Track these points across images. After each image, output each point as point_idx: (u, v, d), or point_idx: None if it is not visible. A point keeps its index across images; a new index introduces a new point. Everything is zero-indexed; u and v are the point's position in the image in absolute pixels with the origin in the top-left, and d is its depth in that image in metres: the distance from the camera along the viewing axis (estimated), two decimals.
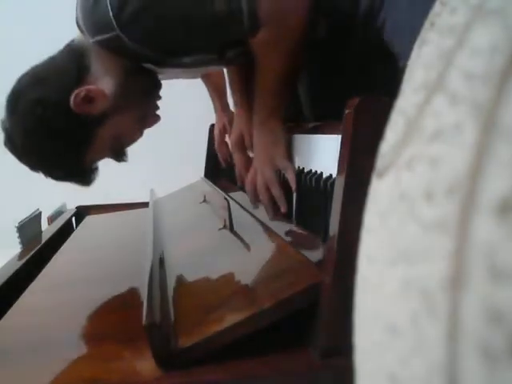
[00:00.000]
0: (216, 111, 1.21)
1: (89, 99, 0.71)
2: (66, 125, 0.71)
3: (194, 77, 1.13)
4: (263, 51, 0.71)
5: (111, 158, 0.81)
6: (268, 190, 0.75)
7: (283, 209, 0.73)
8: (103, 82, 0.73)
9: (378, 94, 0.46)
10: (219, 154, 1.19)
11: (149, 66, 0.78)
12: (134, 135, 0.81)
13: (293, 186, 0.71)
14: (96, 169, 0.81)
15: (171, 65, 0.78)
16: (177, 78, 1.02)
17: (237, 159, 0.93)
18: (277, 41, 0.69)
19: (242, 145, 0.90)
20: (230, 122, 1.11)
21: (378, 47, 0.78)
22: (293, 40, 0.69)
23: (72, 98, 0.70)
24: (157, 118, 0.84)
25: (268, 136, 0.73)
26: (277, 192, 0.73)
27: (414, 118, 0.17)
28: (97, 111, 0.72)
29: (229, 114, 1.17)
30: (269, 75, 0.72)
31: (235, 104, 0.96)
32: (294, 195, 0.72)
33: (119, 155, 0.82)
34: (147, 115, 0.81)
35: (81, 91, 0.70)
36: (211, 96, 1.21)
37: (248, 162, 0.87)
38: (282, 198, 0.73)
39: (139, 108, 0.79)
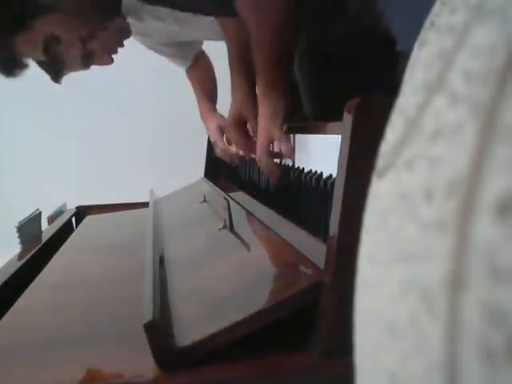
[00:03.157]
0: (203, 115, 1.17)
1: None
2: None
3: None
4: (248, 19, 0.73)
5: (43, 61, 0.76)
6: (265, 158, 0.78)
7: (272, 179, 0.78)
8: None
9: (377, 94, 0.46)
10: (226, 157, 1.11)
11: None
12: (74, 49, 0.75)
13: (288, 154, 0.73)
14: (24, 65, 0.76)
15: None
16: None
17: (234, 136, 0.90)
18: (258, 8, 0.71)
19: (239, 122, 0.88)
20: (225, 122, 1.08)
21: (377, 36, 0.80)
22: (276, 8, 0.71)
23: None
24: (107, 59, 0.84)
25: (268, 109, 0.76)
26: (266, 163, 0.77)
27: (413, 118, 0.18)
28: None
29: (217, 115, 1.15)
30: (260, 47, 0.74)
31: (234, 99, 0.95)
32: (294, 194, 0.72)
33: (56, 72, 0.76)
34: (96, 39, 0.77)
35: None
36: (198, 98, 1.20)
37: (246, 138, 0.88)
38: (270, 170, 0.77)
39: (88, 19, 0.74)
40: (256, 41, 0.75)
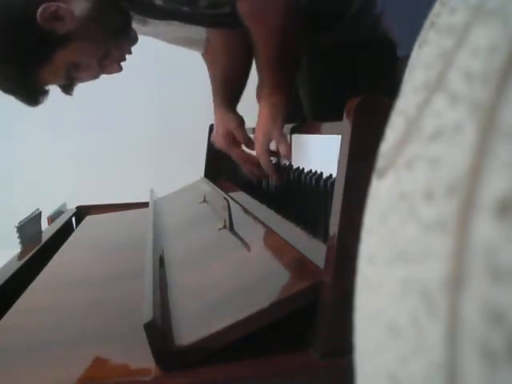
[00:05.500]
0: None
1: (57, 16, 0.71)
2: (27, 34, 0.71)
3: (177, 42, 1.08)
4: (251, 25, 0.74)
5: (60, 85, 0.81)
6: (263, 157, 0.79)
7: (271, 178, 0.81)
8: (75, 2, 0.73)
9: (377, 94, 0.46)
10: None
11: (124, 4, 0.79)
12: (91, 70, 0.80)
13: (286, 156, 0.75)
14: (46, 92, 0.80)
15: (143, 6, 0.79)
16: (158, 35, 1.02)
17: (236, 155, 0.90)
18: (260, 15, 0.73)
19: (234, 140, 0.88)
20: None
21: (377, 38, 0.80)
22: (278, 15, 0.72)
23: (40, 10, 0.69)
24: (117, 67, 0.84)
25: (269, 109, 0.77)
26: (264, 162, 0.78)
27: (413, 117, 0.18)
28: (61, 30, 0.72)
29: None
30: (264, 51, 0.75)
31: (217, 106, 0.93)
32: (293, 194, 0.73)
33: (68, 87, 0.81)
34: (109, 56, 0.80)
35: (50, 6, 0.70)
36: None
37: (245, 154, 0.88)
38: (269, 168, 0.79)
39: (104, 42, 0.78)
40: (260, 43, 0.75)
